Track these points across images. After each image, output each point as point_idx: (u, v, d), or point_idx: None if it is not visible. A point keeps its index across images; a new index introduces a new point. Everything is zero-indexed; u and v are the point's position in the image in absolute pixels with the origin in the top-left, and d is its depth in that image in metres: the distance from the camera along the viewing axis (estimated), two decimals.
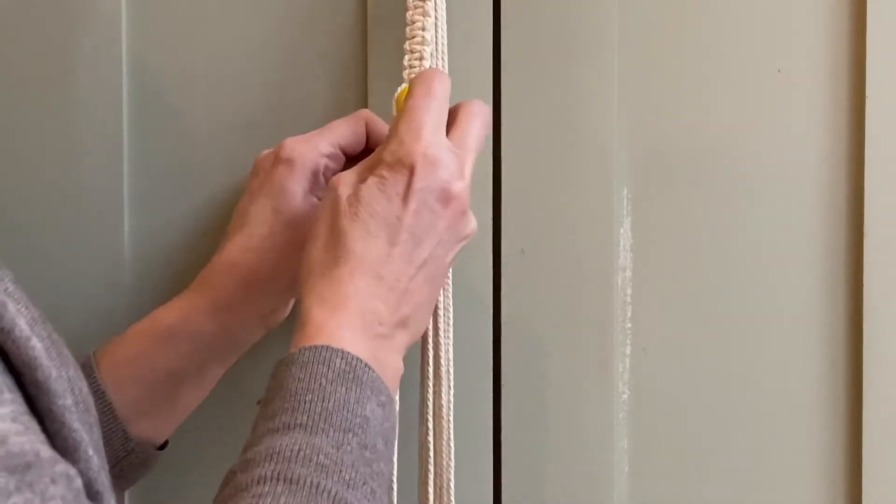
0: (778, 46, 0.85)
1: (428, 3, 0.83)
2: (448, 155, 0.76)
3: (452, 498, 0.85)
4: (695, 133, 0.86)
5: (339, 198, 0.76)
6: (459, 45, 0.87)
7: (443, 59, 0.85)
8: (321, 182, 0.84)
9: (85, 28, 0.92)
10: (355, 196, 0.75)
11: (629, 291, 0.87)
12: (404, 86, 0.82)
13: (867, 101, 0.83)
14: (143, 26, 0.92)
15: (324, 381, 0.69)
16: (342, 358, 0.70)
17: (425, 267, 0.76)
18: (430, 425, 0.85)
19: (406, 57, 0.83)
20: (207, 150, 0.93)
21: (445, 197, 0.76)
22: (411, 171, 0.75)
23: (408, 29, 0.83)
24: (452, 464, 0.85)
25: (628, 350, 0.88)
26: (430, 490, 0.85)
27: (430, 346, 0.84)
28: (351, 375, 0.70)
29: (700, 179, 0.86)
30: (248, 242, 0.84)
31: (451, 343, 0.85)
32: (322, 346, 0.71)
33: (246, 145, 0.92)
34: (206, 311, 0.84)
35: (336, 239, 0.75)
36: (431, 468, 0.85)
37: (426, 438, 0.85)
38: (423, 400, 0.84)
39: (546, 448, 0.88)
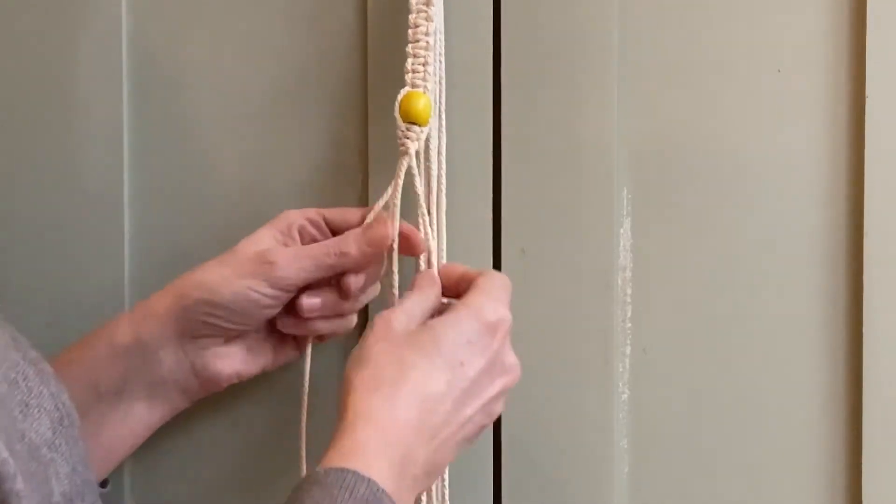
0: (778, 46, 0.85)
1: (432, 7, 0.83)
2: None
3: (447, 498, 0.85)
4: (695, 133, 0.86)
5: (400, 322, 0.76)
6: (459, 46, 0.87)
7: (441, 61, 0.85)
8: (294, 236, 0.85)
9: (85, 28, 0.92)
10: (427, 328, 0.76)
11: (629, 291, 0.87)
12: (407, 89, 0.82)
13: (867, 101, 0.83)
14: (143, 25, 0.93)
15: None
16: (367, 486, 0.68)
17: (463, 428, 0.76)
18: None
19: (409, 61, 0.83)
20: (207, 150, 0.93)
21: (505, 370, 0.78)
22: (495, 329, 0.77)
23: (410, 32, 0.83)
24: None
25: (628, 350, 0.88)
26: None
27: None
28: None
29: (700, 179, 0.86)
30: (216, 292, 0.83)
31: None
32: (348, 471, 0.69)
33: (246, 145, 0.92)
34: (129, 318, 0.84)
35: (398, 361, 0.74)
36: None
37: None
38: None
39: (546, 448, 0.88)
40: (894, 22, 0.82)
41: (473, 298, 0.78)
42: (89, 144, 0.93)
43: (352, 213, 0.86)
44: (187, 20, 0.92)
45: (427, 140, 0.85)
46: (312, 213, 0.86)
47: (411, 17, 0.83)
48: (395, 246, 0.83)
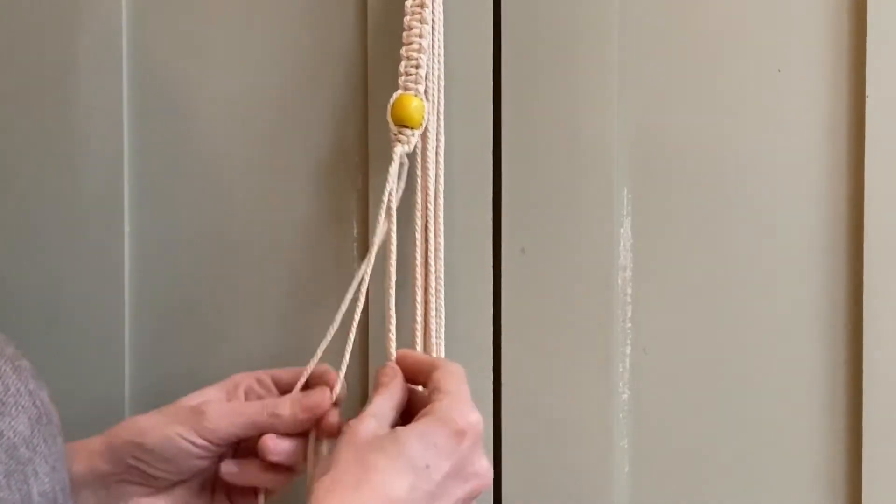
0: (778, 46, 0.85)
1: (426, 9, 0.83)
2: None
3: None
4: (695, 133, 0.86)
5: (367, 427, 0.76)
6: (459, 47, 0.87)
7: (439, 62, 0.85)
8: (240, 396, 0.85)
9: (85, 28, 0.92)
10: (393, 434, 0.76)
11: (629, 291, 0.87)
12: (400, 92, 0.83)
13: (867, 101, 0.83)
14: (143, 26, 0.93)
15: None
16: None
17: None
18: None
19: (402, 63, 0.83)
20: (207, 150, 0.93)
21: (474, 475, 0.77)
22: (463, 435, 0.76)
23: (405, 35, 0.83)
24: None
25: (628, 350, 0.88)
26: None
27: (421, 348, 0.85)
28: None
29: (700, 179, 0.86)
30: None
31: (442, 343, 0.85)
32: None
33: (245, 145, 0.92)
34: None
35: (360, 464, 0.74)
36: None
37: None
38: None
39: (546, 448, 0.88)
40: (894, 22, 0.82)
41: (441, 405, 0.78)
42: (89, 144, 0.93)
43: (300, 374, 0.85)
44: (187, 21, 0.92)
45: (426, 141, 0.85)
46: (262, 374, 0.86)
47: (406, 20, 0.84)
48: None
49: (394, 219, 0.83)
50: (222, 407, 0.82)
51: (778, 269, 0.85)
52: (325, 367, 0.84)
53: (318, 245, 0.91)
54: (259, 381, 0.86)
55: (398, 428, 0.77)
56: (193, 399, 0.84)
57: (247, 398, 0.85)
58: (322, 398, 0.82)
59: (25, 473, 0.64)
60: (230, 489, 0.85)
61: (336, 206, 0.90)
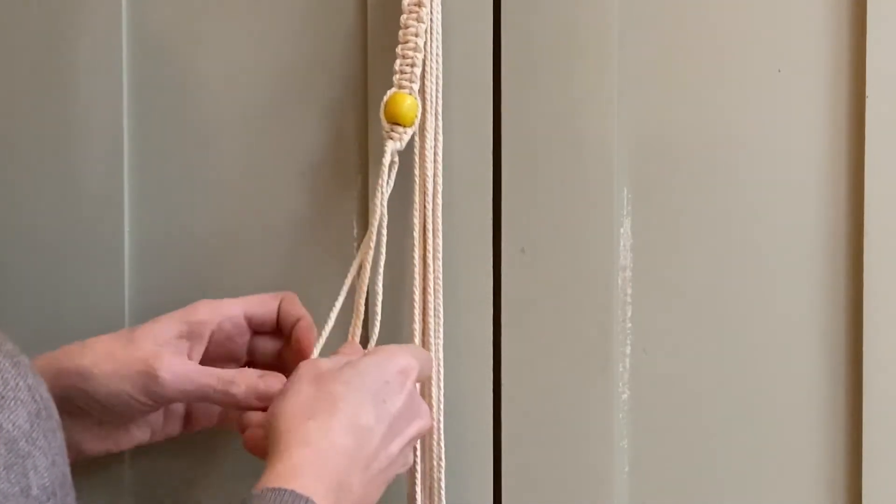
0: (778, 46, 0.85)
1: (423, 9, 0.83)
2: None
3: (444, 499, 0.85)
4: (695, 133, 0.86)
5: (325, 363, 0.78)
6: (459, 46, 0.87)
7: (437, 62, 0.85)
8: (203, 335, 0.84)
9: (85, 28, 0.92)
10: (350, 364, 0.77)
11: (629, 291, 0.87)
12: (393, 90, 0.83)
13: (867, 101, 0.83)
14: (143, 25, 0.92)
15: None
16: None
17: (391, 465, 0.77)
18: None
19: (397, 62, 0.84)
20: (207, 150, 0.93)
21: (420, 414, 0.79)
22: (407, 374, 0.78)
23: (401, 33, 0.84)
24: (443, 464, 0.85)
25: (628, 350, 0.88)
26: (418, 490, 0.85)
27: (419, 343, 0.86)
28: None
29: (700, 179, 0.86)
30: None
31: (441, 343, 0.85)
32: (286, 491, 0.69)
33: (246, 145, 0.92)
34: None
35: (328, 394, 0.75)
36: (419, 469, 0.85)
37: None
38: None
39: (546, 448, 0.88)
40: (894, 22, 0.82)
41: (379, 348, 0.81)
42: (89, 144, 0.93)
43: (272, 302, 0.85)
44: (187, 21, 0.92)
45: (424, 140, 0.85)
46: (235, 308, 0.85)
47: (402, 18, 0.84)
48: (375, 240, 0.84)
49: (381, 214, 0.83)
50: (175, 369, 0.81)
51: (778, 268, 0.85)
52: (300, 313, 0.85)
53: (318, 245, 0.91)
54: (231, 321, 0.85)
55: (353, 360, 0.78)
56: (151, 337, 0.82)
57: (212, 340, 0.84)
58: (279, 387, 0.81)
59: (25, 467, 0.64)
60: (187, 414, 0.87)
61: (336, 206, 0.90)
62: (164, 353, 0.82)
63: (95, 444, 0.84)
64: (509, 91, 0.88)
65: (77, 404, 0.82)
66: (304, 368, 0.78)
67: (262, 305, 0.86)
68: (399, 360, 0.79)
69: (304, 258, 0.91)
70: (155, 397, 0.81)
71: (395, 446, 0.77)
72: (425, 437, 0.85)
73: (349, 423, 0.74)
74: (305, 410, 0.74)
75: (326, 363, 0.78)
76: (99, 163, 0.93)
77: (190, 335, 0.84)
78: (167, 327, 0.83)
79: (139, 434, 0.86)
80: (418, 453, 0.85)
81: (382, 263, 0.85)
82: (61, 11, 0.92)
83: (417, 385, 0.80)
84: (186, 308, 0.85)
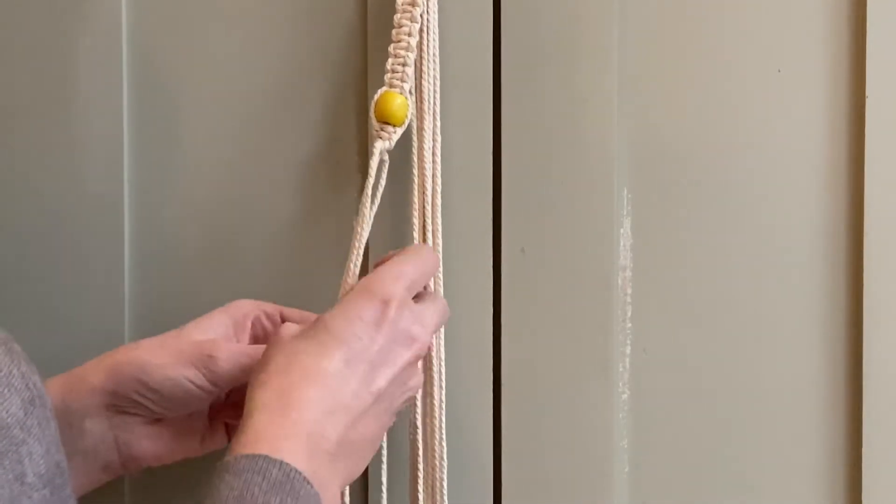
0: (778, 46, 0.85)
1: (416, 8, 0.83)
2: (418, 307, 0.78)
3: (445, 499, 0.85)
4: (695, 133, 0.86)
5: (288, 329, 0.76)
6: (459, 46, 0.87)
7: (434, 61, 0.85)
8: (246, 326, 0.85)
9: (85, 28, 0.92)
10: (317, 319, 0.76)
11: (629, 291, 0.87)
12: (384, 89, 0.83)
13: (867, 101, 0.83)
14: (143, 26, 0.93)
15: (257, 490, 0.67)
16: (279, 468, 0.68)
17: (380, 401, 0.75)
18: (419, 424, 0.85)
19: (389, 61, 0.84)
20: (207, 149, 0.93)
21: (411, 340, 0.77)
22: (387, 304, 0.76)
23: (394, 32, 0.83)
24: (445, 464, 0.85)
25: (628, 350, 0.88)
26: (420, 490, 0.85)
27: None
28: (288, 487, 0.68)
29: (700, 180, 0.86)
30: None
31: (442, 342, 0.85)
32: (259, 456, 0.69)
33: (246, 145, 0.92)
34: (60, 383, 0.82)
35: (285, 354, 0.74)
36: (421, 470, 0.85)
37: (415, 438, 0.85)
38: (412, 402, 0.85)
39: (546, 448, 0.88)
40: (894, 22, 0.82)
41: (359, 283, 0.79)
42: (89, 144, 0.93)
43: (310, 317, 0.84)
44: (187, 20, 0.92)
45: (422, 141, 0.85)
46: (270, 306, 0.86)
47: (396, 17, 0.84)
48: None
49: (370, 213, 0.83)
50: (232, 350, 0.81)
51: (778, 268, 0.85)
52: None
53: (318, 245, 0.91)
54: (266, 314, 0.86)
55: (320, 315, 0.77)
56: (198, 330, 0.83)
57: (252, 329, 0.85)
58: None
59: (20, 454, 0.64)
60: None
61: (336, 206, 0.90)
62: (216, 338, 0.83)
63: (146, 445, 0.83)
64: (509, 91, 0.88)
65: (132, 398, 0.81)
66: (273, 338, 0.77)
67: (300, 315, 0.86)
68: (374, 291, 0.77)
69: (305, 259, 0.91)
70: (213, 377, 0.81)
71: (382, 379, 0.75)
72: (427, 439, 0.85)
73: (309, 373, 0.73)
74: (261, 376, 0.74)
75: (292, 328, 0.77)
76: (99, 163, 0.93)
77: (235, 325, 0.85)
78: (213, 319, 0.84)
79: (190, 441, 0.85)
80: (419, 435, 0.85)
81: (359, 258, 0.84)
82: (61, 11, 0.93)
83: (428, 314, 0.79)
84: (228, 305, 0.86)
